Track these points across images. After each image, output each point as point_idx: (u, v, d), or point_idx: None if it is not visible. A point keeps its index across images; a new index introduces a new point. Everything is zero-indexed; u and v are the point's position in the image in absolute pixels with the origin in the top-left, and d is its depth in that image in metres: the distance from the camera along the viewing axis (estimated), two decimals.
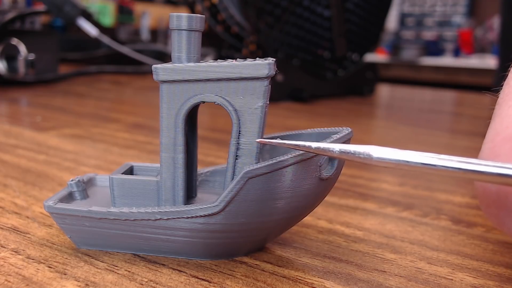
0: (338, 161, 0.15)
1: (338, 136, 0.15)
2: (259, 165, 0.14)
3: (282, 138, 0.18)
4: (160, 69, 0.15)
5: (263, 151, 0.18)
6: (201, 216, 0.15)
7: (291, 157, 0.14)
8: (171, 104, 0.15)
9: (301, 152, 0.14)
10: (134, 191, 0.16)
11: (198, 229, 0.15)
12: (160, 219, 0.15)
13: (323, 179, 0.15)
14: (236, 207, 0.15)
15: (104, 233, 0.16)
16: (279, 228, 0.16)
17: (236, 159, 0.15)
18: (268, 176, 0.14)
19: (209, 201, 0.15)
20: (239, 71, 0.15)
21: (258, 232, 0.16)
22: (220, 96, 0.15)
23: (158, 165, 0.18)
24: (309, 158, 0.15)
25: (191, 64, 0.15)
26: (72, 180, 0.17)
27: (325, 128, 0.17)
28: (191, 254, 0.16)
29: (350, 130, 0.16)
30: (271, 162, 0.14)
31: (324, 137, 0.16)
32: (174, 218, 0.15)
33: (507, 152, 0.14)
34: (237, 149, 0.15)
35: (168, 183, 0.16)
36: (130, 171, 0.18)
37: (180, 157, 0.16)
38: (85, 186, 0.17)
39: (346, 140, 0.15)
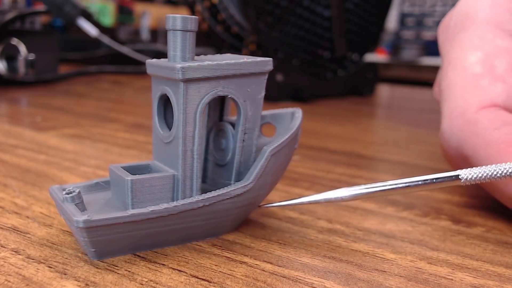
0: (299, 135, 0.19)
1: (299, 115, 0.19)
2: (276, 144, 0.17)
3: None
4: (184, 69, 0.16)
5: None
6: (238, 195, 0.17)
7: (292, 133, 0.18)
8: (193, 100, 0.16)
9: (294, 128, 0.18)
10: (151, 189, 0.16)
11: (232, 208, 0.17)
12: (203, 206, 0.16)
13: (295, 148, 0.19)
14: (259, 182, 0.17)
15: (137, 236, 0.16)
16: (267, 195, 0.19)
17: (243, 142, 0.18)
18: (279, 152, 0.18)
19: (241, 181, 0.17)
20: (250, 67, 0.17)
21: (262, 199, 0.18)
22: (233, 90, 0.17)
23: (141, 162, 0.18)
24: (296, 134, 0.18)
25: (211, 62, 0.16)
26: (67, 194, 0.16)
27: (276, 110, 0.20)
28: (217, 233, 0.17)
29: (300, 109, 0.19)
30: (282, 139, 0.17)
31: (277, 118, 0.20)
32: (216, 202, 0.16)
33: (461, 124, 0.20)
34: (244, 134, 0.18)
35: (187, 175, 0.17)
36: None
37: (199, 148, 0.17)
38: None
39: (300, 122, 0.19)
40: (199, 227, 0.17)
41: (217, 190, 0.17)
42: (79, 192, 0.16)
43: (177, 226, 0.16)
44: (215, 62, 0.16)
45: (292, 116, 0.20)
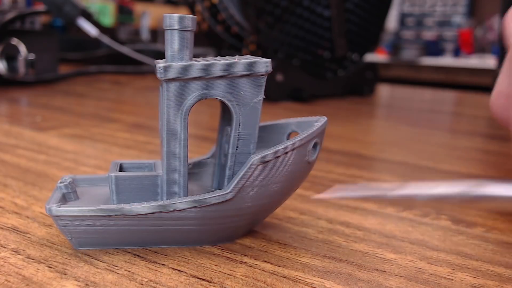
0: (319, 147, 0.17)
1: (319, 124, 0.17)
2: (266, 153, 0.16)
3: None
4: (165, 68, 0.15)
5: None
6: (214, 204, 0.16)
7: (291, 144, 0.16)
8: (176, 101, 0.16)
9: (299, 138, 0.16)
10: (135, 187, 0.16)
11: (209, 217, 0.16)
12: (173, 210, 0.16)
13: (309, 162, 0.17)
14: (244, 192, 0.16)
15: (110, 231, 0.16)
16: (273, 209, 0.18)
17: (237, 148, 0.17)
18: (272, 162, 0.16)
19: (220, 190, 0.16)
20: (241, 69, 0.16)
21: (258, 214, 0.17)
22: (223, 92, 0.16)
23: (145, 161, 0.18)
24: (303, 144, 0.16)
25: (196, 62, 0.16)
26: (61, 182, 0.17)
27: (303, 118, 0.19)
28: (197, 242, 0.17)
29: (326, 118, 0.17)
30: (275, 149, 0.16)
31: (303, 126, 0.18)
32: (187, 209, 0.16)
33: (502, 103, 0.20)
34: (238, 139, 0.16)
35: (171, 177, 0.16)
36: (121, 169, 0.18)
37: (183, 151, 0.16)
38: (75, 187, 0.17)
39: (324, 129, 0.17)
40: (173, 232, 0.16)
41: (193, 196, 0.16)
42: (71, 182, 0.17)
43: (147, 227, 0.16)
44: (200, 63, 0.15)
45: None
